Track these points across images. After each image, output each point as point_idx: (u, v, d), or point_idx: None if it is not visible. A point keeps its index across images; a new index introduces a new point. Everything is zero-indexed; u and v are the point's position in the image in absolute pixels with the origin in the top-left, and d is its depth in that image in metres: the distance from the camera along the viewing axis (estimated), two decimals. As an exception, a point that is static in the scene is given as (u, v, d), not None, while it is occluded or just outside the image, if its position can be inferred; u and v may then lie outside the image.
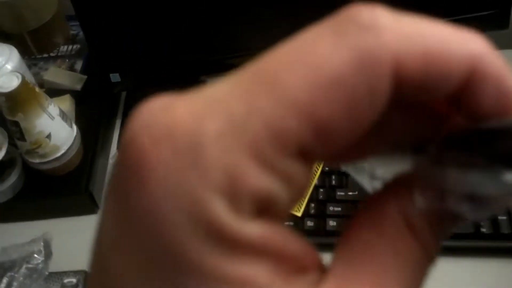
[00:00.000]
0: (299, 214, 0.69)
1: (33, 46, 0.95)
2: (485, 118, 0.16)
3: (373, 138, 0.17)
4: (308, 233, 0.68)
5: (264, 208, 0.15)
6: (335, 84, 0.15)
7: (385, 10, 0.16)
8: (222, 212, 0.14)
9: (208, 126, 0.14)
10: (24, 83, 0.69)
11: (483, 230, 0.64)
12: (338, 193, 0.70)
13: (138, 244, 0.15)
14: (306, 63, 0.15)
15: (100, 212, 0.16)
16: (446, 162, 0.16)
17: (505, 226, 0.64)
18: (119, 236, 0.15)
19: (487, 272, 0.63)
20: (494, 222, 0.64)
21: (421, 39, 0.15)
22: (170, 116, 0.15)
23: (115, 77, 0.85)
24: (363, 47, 0.15)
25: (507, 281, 0.63)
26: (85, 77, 0.91)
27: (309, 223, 0.68)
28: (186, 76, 0.91)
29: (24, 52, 0.90)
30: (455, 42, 0.16)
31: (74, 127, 0.79)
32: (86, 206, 0.79)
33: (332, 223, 0.68)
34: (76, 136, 0.78)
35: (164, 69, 0.86)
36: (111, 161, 0.87)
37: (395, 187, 0.18)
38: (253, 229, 0.15)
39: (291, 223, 0.69)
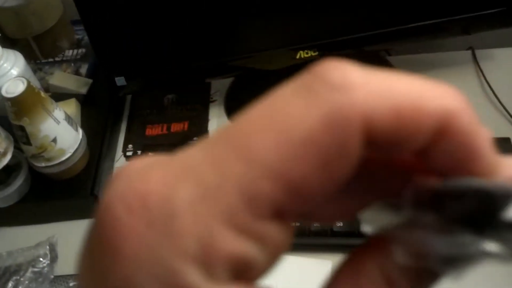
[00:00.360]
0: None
1: (38, 51, 0.95)
2: (450, 175, 0.16)
3: (347, 197, 0.18)
4: (315, 234, 0.67)
5: (241, 271, 0.15)
6: (306, 144, 0.15)
7: (355, 67, 0.16)
8: (195, 279, 0.14)
9: (180, 194, 0.15)
10: (29, 88, 0.69)
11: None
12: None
13: None
14: (276, 125, 0.15)
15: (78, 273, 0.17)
16: (416, 223, 0.17)
17: None
18: None
19: (488, 265, 0.63)
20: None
21: (391, 95, 0.15)
22: (144, 184, 0.15)
23: (120, 81, 0.85)
24: (333, 107, 0.15)
25: (507, 272, 0.62)
26: (91, 81, 0.91)
27: (316, 224, 0.68)
28: (191, 79, 0.91)
29: (30, 57, 0.91)
30: (426, 97, 0.16)
31: (80, 130, 0.79)
32: (91, 209, 0.79)
33: (338, 223, 0.67)
34: (81, 140, 0.78)
35: (169, 72, 0.86)
36: (116, 164, 0.87)
37: (376, 241, 0.18)
38: None
39: (298, 224, 0.68)
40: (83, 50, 0.97)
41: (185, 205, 0.15)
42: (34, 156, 0.74)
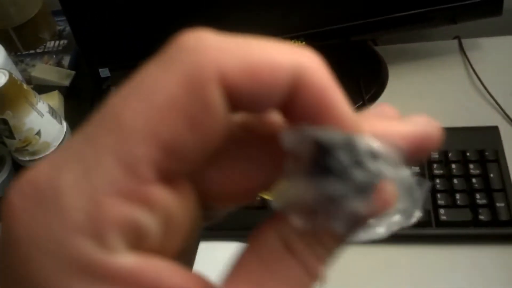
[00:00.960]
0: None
1: (19, 43, 0.93)
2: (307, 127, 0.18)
3: (238, 172, 0.19)
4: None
5: (136, 241, 0.16)
6: (170, 106, 0.16)
7: (211, 32, 0.17)
8: (89, 250, 0.15)
9: (65, 174, 0.16)
10: (11, 80, 0.67)
11: (482, 217, 0.64)
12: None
13: None
14: (140, 95, 0.16)
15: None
16: (295, 176, 0.18)
17: (504, 213, 0.63)
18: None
19: (486, 259, 0.63)
20: (493, 209, 0.64)
21: (244, 52, 0.16)
22: (34, 171, 0.16)
23: (104, 72, 0.83)
24: (188, 68, 0.16)
25: (506, 268, 0.62)
26: (73, 72, 0.89)
27: (220, 205, 0.68)
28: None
29: (10, 48, 0.89)
30: (278, 54, 0.17)
31: (64, 123, 0.77)
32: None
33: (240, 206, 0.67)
34: (66, 132, 0.77)
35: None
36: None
37: (275, 214, 0.18)
38: (124, 261, 0.15)
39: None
40: (65, 41, 0.95)
41: (70, 182, 0.16)
42: (18, 150, 0.73)
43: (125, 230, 0.15)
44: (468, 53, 0.86)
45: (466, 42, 0.88)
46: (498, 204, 0.64)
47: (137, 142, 0.16)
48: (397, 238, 0.66)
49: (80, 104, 0.87)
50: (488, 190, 0.66)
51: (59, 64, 0.92)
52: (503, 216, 0.63)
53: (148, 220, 0.16)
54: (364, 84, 0.85)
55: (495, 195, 0.65)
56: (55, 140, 0.74)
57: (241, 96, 0.17)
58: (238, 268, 0.18)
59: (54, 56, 0.93)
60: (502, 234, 0.64)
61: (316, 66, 0.17)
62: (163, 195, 0.16)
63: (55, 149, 0.18)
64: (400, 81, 0.86)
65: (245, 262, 0.18)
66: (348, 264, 0.65)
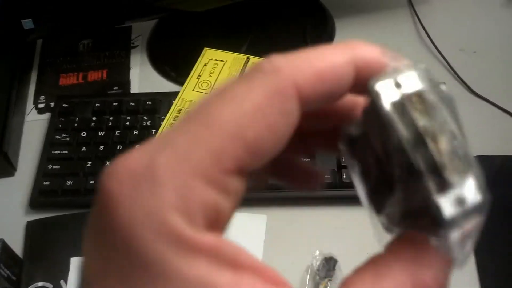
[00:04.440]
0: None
1: None
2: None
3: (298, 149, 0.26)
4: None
5: (213, 220, 0.19)
6: (256, 113, 0.19)
7: (278, 55, 0.20)
8: (179, 223, 0.18)
9: (159, 160, 0.18)
10: None
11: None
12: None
13: (116, 259, 0.18)
14: (231, 101, 0.19)
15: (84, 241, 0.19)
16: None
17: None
18: (101, 259, 0.19)
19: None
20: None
21: (309, 64, 0.20)
22: (129, 159, 0.19)
23: (27, 24, 0.75)
24: (270, 84, 0.20)
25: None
26: (-8, 24, 0.80)
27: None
28: (109, 21, 0.83)
29: None
30: (335, 55, 0.21)
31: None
32: (1, 168, 0.71)
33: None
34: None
35: (83, 13, 0.77)
36: (27, 118, 0.78)
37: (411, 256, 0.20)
38: (207, 238, 0.18)
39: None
40: (-18, -12, 0.86)
41: (164, 167, 0.18)
42: None
43: (208, 212, 0.18)
44: (416, 7, 0.83)
45: (414, -5, 0.85)
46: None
47: (227, 139, 0.19)
48: (302, 200, 0.65)
49: (1, 60, 0.79)
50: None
51: (-24, 14, 0.83)
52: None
53: (224, 205, 0.19)
54: (311, 39, 0.81)
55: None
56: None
57: (314, 99, 0.20)
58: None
59: (-30, 5, 0.84)
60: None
61: (366, 49, 0.21)
62: (238, 185, 0.19)
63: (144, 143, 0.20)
64: (347, 35, 0.82)
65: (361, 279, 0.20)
66: (239, 226, 0.62)
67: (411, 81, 0.19)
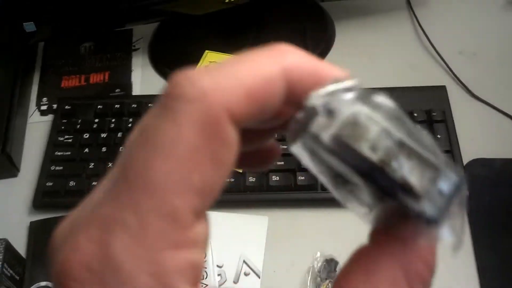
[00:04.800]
0: (240, 170, 0.64)
1: None
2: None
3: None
4: (251, 189, 0.64)
5: (196, 275, 0.18)
6: (194, 154, 0.17)
7: (198, 71, 0.18)
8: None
9: (114, 247, 0.17)
10: None
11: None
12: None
13: None
14: (162, 150, 0.17)
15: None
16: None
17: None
18: None
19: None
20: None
21: (236, 81, 0.18)
22: (78, 252, 0.17)
23: (29, 26, 0.76)
24: (199, 117, 0.17)
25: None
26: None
27: (251, 179, 0.64)
28: (111, 24, 0.83)
29: None
30: (264, 66, 0.19)
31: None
32: (4, 169, 0.71)
33: (274, 177, 0.64)
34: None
35: (85, 16, 0.78)
36: (30, 120, 0.78)
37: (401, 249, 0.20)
38: None
39: (232, 180, 0.64)
40: (-15, -9, 0.86)
41: (124, 253, 0.17)
42: None
43: (187, 273, 0.17)
44: (416, 10, 0.84)
45: (414, -2, 0.85)
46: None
47: (174, 195, 0.17)
48: (303, 201, 0.65)
49: (4, 62, 0.79)
50: (435, 151, 0.64)
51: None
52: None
53: (199, 255, 0.18)
54: (311, 42, 0.81)
55: (443, 156, 0.64)
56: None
57: (249, 119, 0.19)
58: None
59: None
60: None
61: (295, 57, 0.20)
62: (202, 229, 0.18)
63: (78, 218, 0.18)
64: (347, 38, 0.83)
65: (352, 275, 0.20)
66: (240, 227, 0.63)
67: (346, 104, 0.19)
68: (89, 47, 0.87)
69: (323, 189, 0.63)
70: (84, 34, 0.88)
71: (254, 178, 0.65)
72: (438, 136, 0.65)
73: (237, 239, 0.63)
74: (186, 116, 0.17)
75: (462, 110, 0.70)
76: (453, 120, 0.68)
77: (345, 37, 0.83)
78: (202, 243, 0.18)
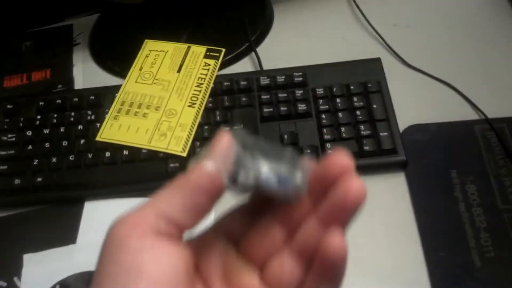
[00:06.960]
0: (184, 154, 0.65)
1: None
2: None
3: None
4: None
5: None
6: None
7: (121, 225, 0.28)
8: None
9: None
10: None
11: (367, 148, 0.64)
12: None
13: None
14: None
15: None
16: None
17: (387, 142, 0.64)
18: None
19: (373, 187, 0.64)
20: (377, 139, 0.65)
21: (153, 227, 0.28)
22: None
23: None
24: None
25: (391, 193, 0.64)
26: None
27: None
28: (49, 20, 0.83)
29: None
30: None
31: None
32: None
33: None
34: None
35: (22, 14, 0.77)
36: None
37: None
38: None
39: (177, 165, 0.65)
40: None
41: None
42: None
43: None
44: (349, -13, 0.86)
45: (347, -25, 0.87)
46: (381, 134, 0.65)
47: None
48: None
49: None
50: (372, 121, 0.67)
51: None
52: (387, 145, 0.64)
53: None
54: (250, 25, 0.82)
55: (379, 125, 0.66)
56: None
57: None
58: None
59: None
60: (386, 162, 0.65)
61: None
62: None
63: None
64: (285, 18, 0.84)
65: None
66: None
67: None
68: (29, 45, 0.86)
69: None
70: (24, 33, 0.87)
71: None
72: (374, 106, 0.67)
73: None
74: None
75: (397, 80, 0.73)
76: (388, 90, 0.70)
77: (283, 17, 0.84)
78: None
